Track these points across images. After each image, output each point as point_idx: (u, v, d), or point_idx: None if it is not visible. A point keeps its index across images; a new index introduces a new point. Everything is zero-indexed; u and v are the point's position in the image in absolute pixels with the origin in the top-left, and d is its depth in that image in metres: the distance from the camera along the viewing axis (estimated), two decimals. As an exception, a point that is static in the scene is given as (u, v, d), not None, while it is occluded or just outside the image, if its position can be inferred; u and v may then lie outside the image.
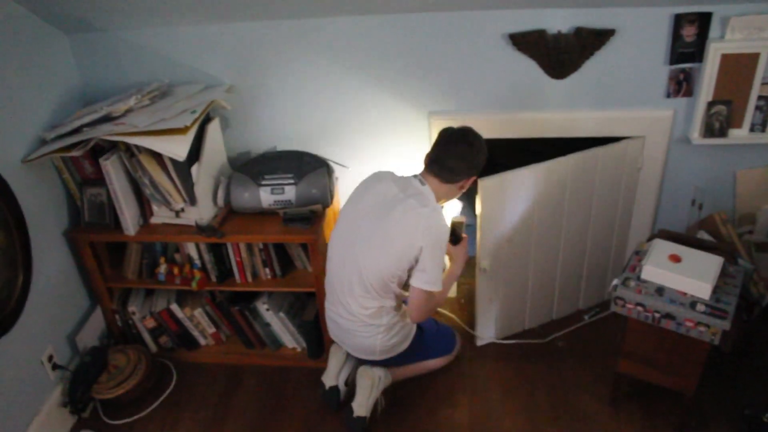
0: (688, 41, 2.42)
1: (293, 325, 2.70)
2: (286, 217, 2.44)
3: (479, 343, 2.78)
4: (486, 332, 2.78)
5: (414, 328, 2.40)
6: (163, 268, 2.61)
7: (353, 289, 2.18)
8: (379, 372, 2.39)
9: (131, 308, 2.72)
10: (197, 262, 2.59)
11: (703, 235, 2.60)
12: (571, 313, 2.95)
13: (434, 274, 2.14)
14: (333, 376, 2.47)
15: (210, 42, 2.55)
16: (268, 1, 2.34)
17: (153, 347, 2.81)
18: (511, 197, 2.47)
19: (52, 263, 2.49)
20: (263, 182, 2.45)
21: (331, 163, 2.64)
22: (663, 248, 2.23)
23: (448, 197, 2.26)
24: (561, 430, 2.38)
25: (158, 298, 2.75)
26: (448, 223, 2.26)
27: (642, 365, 2.26)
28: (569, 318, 2.92)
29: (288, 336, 2.73)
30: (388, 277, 2.15)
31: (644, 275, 2.16)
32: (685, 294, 2.10)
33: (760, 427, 2.17)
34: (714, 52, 2.40)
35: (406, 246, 2.10)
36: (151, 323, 2.74)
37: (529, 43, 2.42)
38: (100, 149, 2.39)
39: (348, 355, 2.48)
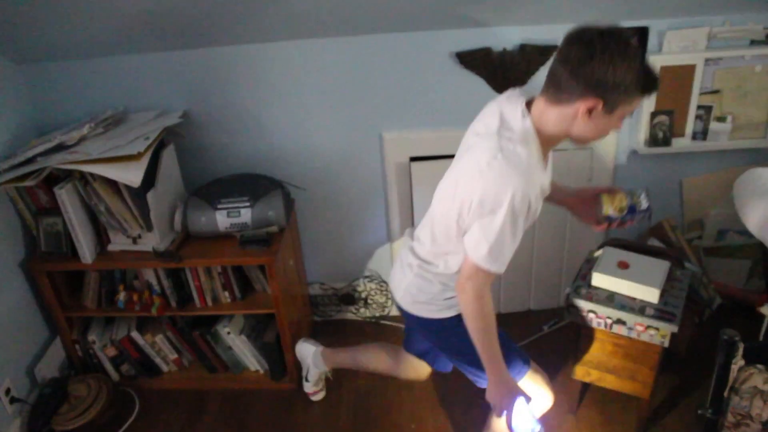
0: (628, 55, 2.50)
1: (255, 347, 2.70)
2: (242, 239, 2.45)
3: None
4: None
5: (453, 312, 1.84)
6: (122, 296, 2.60)
7: (424, 227, 1.86)
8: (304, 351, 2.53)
9: (91, 337, 2.69)
10: (156, 287, 2.58)
11: (654, 242, 2.67)
12: (522, 310, 3.04)
13: (481, 242, 1.55)
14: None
15: (164, 69, 2.57)
16: (220, 28, 2.38)
17: (115, 376, 2.78)
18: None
19: (8, 295, 2.47)
20: (219, 206, 2.47)
21: (287, 185, 2.67)
22: (612, 255, 2.29)
23: (563, 130, 1.54)
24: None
25: (118, 325, 2.73)
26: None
27: (598, 371, 2.30)
28: (526, 322, 2.98)
29: (250, 358, 2.73)
30: (444, 226, 1.70)
31: (594, 282, 2.22)
32: (634, 299, 2.15)
33: (710, 426, 2.23)
34: (653, 64, 2.49)
35: (458, 195, 1.60)
36: (112, 351, 2.72)
37: (476, 61, 2.49)
38: (54, 178, 2.39)
39: None
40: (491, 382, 1.70)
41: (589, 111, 1.44)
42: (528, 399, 1.71)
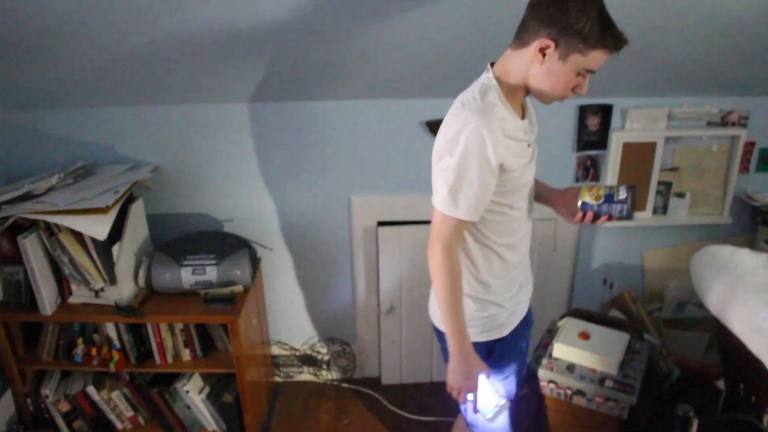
0: (592, 130, 2.60)
1: (214, 407, 2.64)
2: (207, 297, 2.43)
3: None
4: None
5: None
6: (80, 349, 2.54)
7: None
8: None
9: (45, 391, 2.62)
10: (116, 342, 2.54)
11: (615, 313, 2.71)
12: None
13: (440, 185, 1.53)
14: None
15: (137, 123, 2.59)
16: (193, 87, 2.42)
17: (66, 432, 2.70)
18: (408, 250, 2.55)
19: (-40, 345, 2.40)
20: (185, 263, 2.46)
21: (254, 244, 2.67)
22: (573, 326, 2.32)
23: (522, 77, 1.52)
24: None
25: (74, 380, 2.66)
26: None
27: (559, 442, 2.31)
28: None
29: (208, 418, 2.67)
30: None
31: (555, 353, 2.24)
32: (594, 370, 2.18)
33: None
34: (616, 141, 2.59)
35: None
36: (65, 407, 2.64)
37: (445, 129, 2.55)
38: (19, 227, 2.36)
39: None
40: (453, 355, 1.62)
41: (542, 52, 1.44)
42: (488, 375, 1.67)
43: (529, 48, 1.46)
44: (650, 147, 2.61)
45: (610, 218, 1.68)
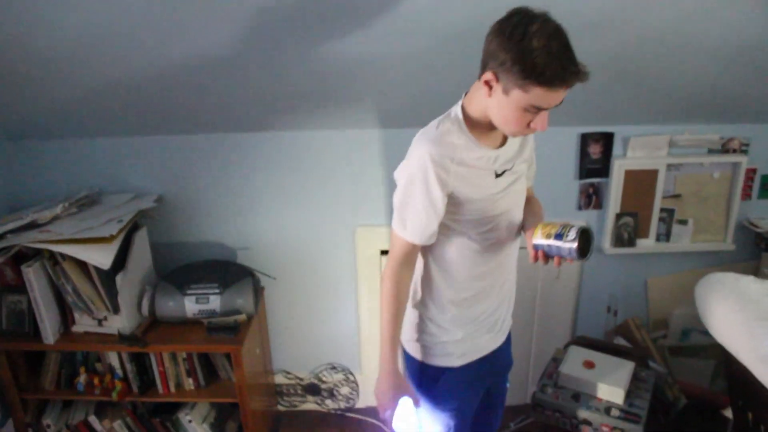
0: (594, 158, 2.61)
1: (216, 436, 2.63)
2: (210, 326, 2.43)
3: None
4: None
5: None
6: (82, 378, 2.53)
7: None
8: None
9: (46, 421, 2.60)
10: (119, 371, 2.53)
11: (620, 341, 2.70)
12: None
13: (395, 206, 1.58)
14: None
15: (141, 153, 2.62)
16: (199, 117, 2.44)
17: (67, 463, 2.68)
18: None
19: (-38, 374, 2.39)
20: (188, 291, 2.46)
21: (258, 274, 2.67)
22: (578, 355, 2.31)
23: (482, 109, 1.48)
24: None
25: (76, 410, 2.65)
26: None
27: (564, 472, 2.29)
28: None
29: (211, 448, 2.65)
30: None
31: (561, 382, 2.23)
32: (600, 400, 2.16)
33: None
34: (618, 169, 2.61)
35: None
36: (66, 437, 2.63)
37: (448, 158, 2.57)
38: (23, 256, 2.37)
39: None
40: (382, 370, 1.62)
41: (488, 85, 1.39)
42: (416, 403, 1.65)
43: (481, 79, 1.42)
44: (652, 174, 2.62)
45: (562, 260, 1.52)
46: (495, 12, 1.36)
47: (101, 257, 2.24)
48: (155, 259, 2.69)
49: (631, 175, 2.62)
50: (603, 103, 2.40)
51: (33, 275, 2.32)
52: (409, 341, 1.75)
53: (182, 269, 2.61)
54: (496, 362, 1.83)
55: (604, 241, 2.73)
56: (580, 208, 2.70)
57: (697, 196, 2.69)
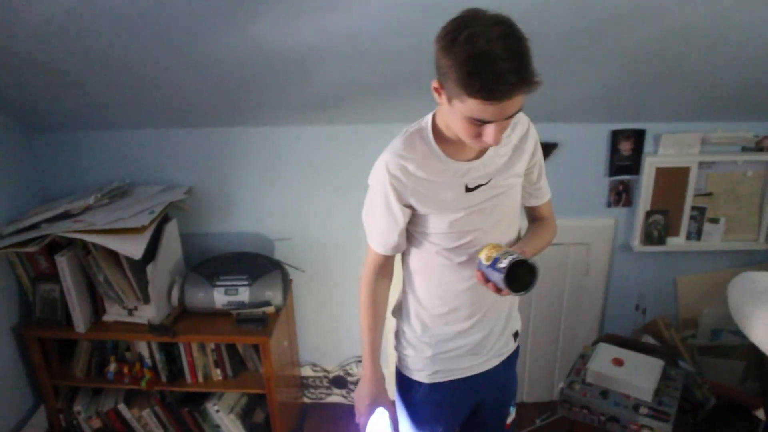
0: (625, 155, 2.59)
1: (243, 427, 2.65)
2: (239, 318, 2.45)
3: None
4: None
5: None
6: (112, 367, 2.57)
7: None
8: None
9: (77, 407, 2.65)
10: (148, 361, 2.56)
11: (648, 339, 2.67)
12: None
13: (363, 218, 1.61)
14: None
15: (172, 145, 2.64)
16: (232, 110, 2.46)
17: (97, 449, 2.72)
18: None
19: (-3, 359, 2.45)
20: (217, 283, 2.48)
21: (286, 266, 2.69)
22: (606, 352, 2.29)
23: (444, 120, 1.41)
24: None
25: (106, 397, 2.70)
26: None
27: (590, 470, 2.27)
28: (518, 414, 2.92)
29: (237, 438, 2.68)
30: None
31: (589, 378, 2.21)
32: (628, 397, 2.14)
33: None
34: (649, 166, 2.57)
35: None
36: (96, 424, 2.67)
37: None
38: (56, 245, 2.41)
39: None
40: (362, 376, 1.65)
41: (437, 92, 1.30)
42: (393, 418, 1.65)
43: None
44: (684, 172, 2.59)
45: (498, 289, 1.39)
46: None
47: (133, 248, 2.28)
48: (185, 250, 2.72)
49: (662, 173, 2.59)
50: (634, 99, 2.38)
51: (66, 264, 2.36)
52: (393, 347, 1.77)
53: (211, 261, 2.64)
54: (488, 386, 1.72)
55: (633, 238, 2.70)
56: (609, 205, 2.67)
57: (730, 194, 2.64)
